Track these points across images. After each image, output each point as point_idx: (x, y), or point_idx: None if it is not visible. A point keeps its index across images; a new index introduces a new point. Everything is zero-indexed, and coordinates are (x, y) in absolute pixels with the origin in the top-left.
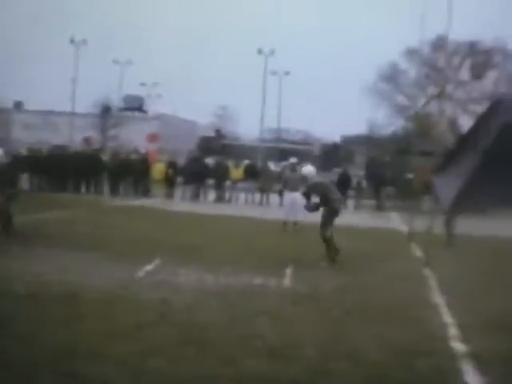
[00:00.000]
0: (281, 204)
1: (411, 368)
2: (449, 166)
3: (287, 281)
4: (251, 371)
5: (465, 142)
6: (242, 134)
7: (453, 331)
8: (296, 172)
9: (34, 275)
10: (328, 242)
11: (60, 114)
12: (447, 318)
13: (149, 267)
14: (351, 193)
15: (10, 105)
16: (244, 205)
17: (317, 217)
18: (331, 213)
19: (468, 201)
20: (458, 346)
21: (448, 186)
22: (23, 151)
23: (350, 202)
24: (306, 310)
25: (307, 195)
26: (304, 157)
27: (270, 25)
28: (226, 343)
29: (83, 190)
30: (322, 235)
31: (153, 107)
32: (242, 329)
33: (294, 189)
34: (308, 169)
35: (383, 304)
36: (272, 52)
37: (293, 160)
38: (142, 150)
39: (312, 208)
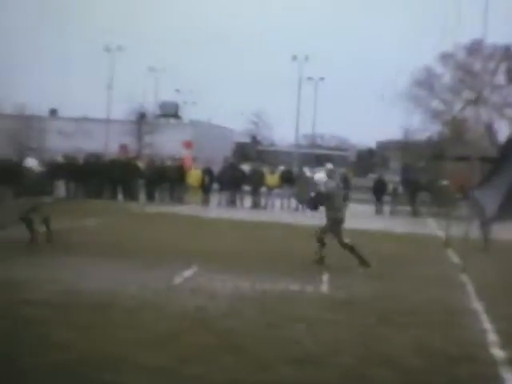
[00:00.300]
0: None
1: (451, 375)
2: (491, 177)
3: (324, 287)
4: (288, 378)
5: (505, 151)
6: (278, 140)
7: (492, 337)
8: (333, 178)
9: (69, 283)
10: (350, 249)
11: (95, 120)
12: (486, 323)
13: (185, 274)
14: (387, 199)
15: (44, 112)
16: (280, 211)
17: (355, 223)
18: (333, 222)
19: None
20: (498, 353)
21: (491, 196)
22: (59, 159)
23: (386, 208)
24: (343, 317)
25: (314, 200)
26: (339, 162)
27: (305, 30)
28: (264, 350)
29: (119, 196)
30: (317, 237)
31: (188, 114)
32: (280, 335)
33: None
34: (319, 175)
35: (421, 310)
36: (307, 58)
37: (329, 166)
38: (179, 157)
39: (311, 204)
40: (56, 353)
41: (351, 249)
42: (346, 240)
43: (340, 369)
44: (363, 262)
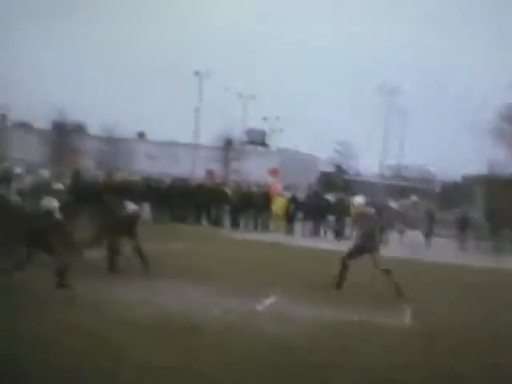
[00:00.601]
0: (401, 242)
1: None
2: None
3: (407, 319)
4: None
5: None
6: (362, 170)
7: None
8: (417, 210)
9: (156, 306)
10: (345, 267)
11: (182, 145)
12: None
13: (268, 301)
14: (471, 234)
15: (132, 135)
16: None
17: (438, 257)
18: (362, 247)
19: None
20: None
21: None
22: (144, 181)
23: (470, 243)
24: (428, 349)
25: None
26: (424, 195)
27: (394, 61)
28: (345, 381)
29: (203, 221)
30: (343, 259)
31: (274, 141)
32: (362, 365)
33: (414, 227)
34: (357, 200)
35: (508, 342)
36: (393, 90)
37: (414, 198)
38: (264, 184)
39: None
40: (144, 373)
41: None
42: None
43: None
44: (340, 281)
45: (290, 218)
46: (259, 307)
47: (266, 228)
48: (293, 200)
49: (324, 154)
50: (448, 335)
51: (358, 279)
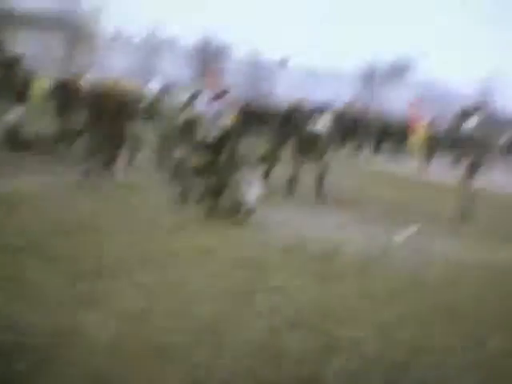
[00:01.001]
0: None
1: None
2: None
3: None
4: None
5: None
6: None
7: None
8: None
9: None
10: None
11: (323, 73)
12: None
13: (405, 233)
14: None
15: (275, 61)
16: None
17: None
18: None
19: None
20: None
21: None
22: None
23: None
24: None
25: None
26: None
27: None
28: (477, 320)
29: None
30: None
31: (417, 73)
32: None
33: None
34: None
35: None
36: None
37: None
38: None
39: None
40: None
41: None
42: None
43: None
44: None
45: (429, 151)
46: (397, 239)
47: (404, 159)
48: (434, 133)
49: (469, 87)
50: None
51: None
